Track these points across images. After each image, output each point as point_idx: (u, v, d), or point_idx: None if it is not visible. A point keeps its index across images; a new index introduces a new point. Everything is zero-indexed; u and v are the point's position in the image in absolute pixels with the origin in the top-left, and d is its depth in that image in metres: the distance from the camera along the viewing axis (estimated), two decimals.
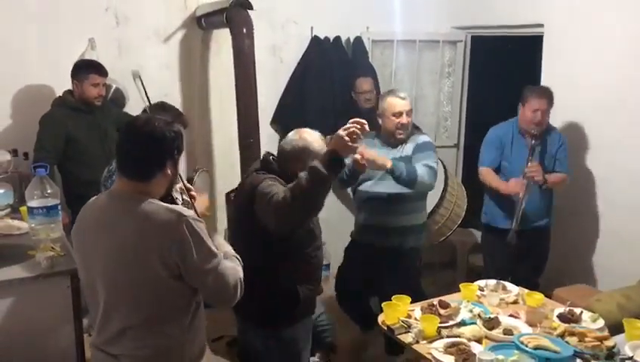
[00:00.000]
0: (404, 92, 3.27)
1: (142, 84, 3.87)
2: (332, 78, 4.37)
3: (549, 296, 3.00)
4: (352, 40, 4.51)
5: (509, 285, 2.87)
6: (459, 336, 2.34)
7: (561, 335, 2.33)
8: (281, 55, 4.44)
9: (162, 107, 2.59)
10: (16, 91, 3.69)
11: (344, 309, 3.52)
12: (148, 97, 3.73)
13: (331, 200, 4.15)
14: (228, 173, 4.03)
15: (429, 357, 2.23)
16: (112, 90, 3.77)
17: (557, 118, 3.69)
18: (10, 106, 3.70)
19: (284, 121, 4.37)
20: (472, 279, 3.02)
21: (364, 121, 2.12)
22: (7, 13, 3.61)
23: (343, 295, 3.49)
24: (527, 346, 2.21)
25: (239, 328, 2.65)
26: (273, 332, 2.45)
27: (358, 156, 2.72)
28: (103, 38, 3.84)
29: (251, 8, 3.59)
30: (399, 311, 2.51)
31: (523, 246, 3.48)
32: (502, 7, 4.37)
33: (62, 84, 3.57)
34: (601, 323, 2.49)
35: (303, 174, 2.05)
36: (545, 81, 3.97)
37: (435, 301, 2.60)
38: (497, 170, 3.56)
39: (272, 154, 2.50)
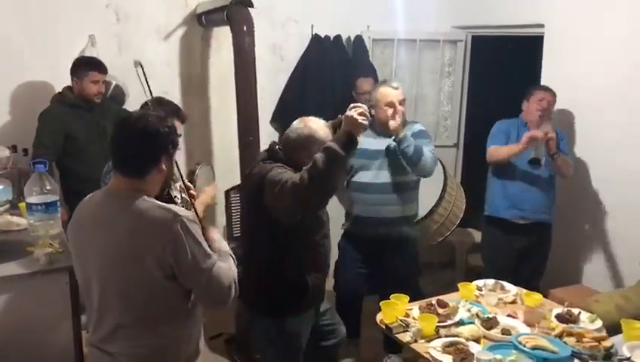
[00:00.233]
0: (397, 82, 3.27)
1: (143, 73, 3.85)
2: (332, 77, 4.37)
3: (546, 295, 3.00)
4: (352, 39, 4.51)
5: (507, 285, 2.88)
6: (457, 336, 2.34)
7: (559, 336, 2.33)
8: (281, 53, 4.43)
9: (160, 102, 2.58)
10: (15, 87, 3.68)
11: (338, 310, 3.50)
12: (149, 86, 3.71)
13: None
14: (227, 170, 4.03)
15: (426, 356, 2.24)
16: (112, 87, 3.76)
17: (557, 118, 3.69)
18: (9, 102, 3.69)
19: (283, 119, 4.36)
20: (470, 279, 3.01)
21: (365, 106, 2.19)
22: (7, 8, 3.60)
23: (340, 296, 3.49)
24: (525, 346, 2.21)
25: (246, 318, 2.66)
26: (278, 322, 2.47)
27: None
28: (103, 34, 3.83)
29: (252, 6, 3.59)
30: (397, 310, 2.51)
31: (525, 245, 3.48)
32: (502, 7, 4.37)
33: (61, 80, 3.56)
34: (599, 323, 2.49)
35: (318, 155, 2.08)
36: (545, 81, 3.97)
37: (434, 300, 2.60)
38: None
39: (278, 144, 2.50)
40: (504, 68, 4.92)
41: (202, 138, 4.31)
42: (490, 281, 2.89)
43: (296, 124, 2.48)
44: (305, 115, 2.57)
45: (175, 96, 4.03)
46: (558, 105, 3.53)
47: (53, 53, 3.70)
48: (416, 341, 2.33)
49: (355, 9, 4.53)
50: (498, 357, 2.15)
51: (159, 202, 1.80)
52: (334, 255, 3.54)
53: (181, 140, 2.08)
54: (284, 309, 2.46)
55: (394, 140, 3.11)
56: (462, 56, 4.89)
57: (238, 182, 3.65)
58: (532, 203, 3.45)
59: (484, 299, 2.72)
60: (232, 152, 3.82)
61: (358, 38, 4.51)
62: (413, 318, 2.48)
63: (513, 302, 2.73)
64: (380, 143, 3.19)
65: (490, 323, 2.41)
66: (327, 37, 4.41)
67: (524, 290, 2.79)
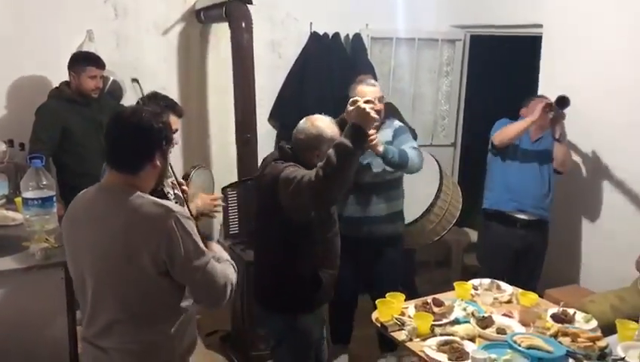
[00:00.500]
0: (373, 80, 3.27)
1: (140, 89, 3.86)
2: (330, 75, 4.36)
3: (541, 295, 3.00)
4: (351, 37, 4.50)
5: (503, 284, 2.88)
6: (452, 334, 2.34)
7: (554, 335, 2.34)
8: (279, 50, 4.43)
9: (155, 97, 2.57)
10: (12, 82, 3.67)
11: (331, 314, 3.49)
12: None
13: None
14: (225, 167, 4.02)
15: (422, 354, 2.24)
16: (110, 82, 3.76)
17: None
18: (6, 96, 3.68)
19: (281, 116, 4.37)
20: (466, 278, 3.02)
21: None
22: (4, 3, 3.59)
23: (335, 300, 3.48)
24: (520, 345, 2.21)
25: (258, 316, 2.69)
26: (290, 319, 2.49)
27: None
28: (102, 29, 3.82)
29: (251, 3, 3.58)
30: (393, 309, 2.51)
31: (523, 247, 3.49)
32: (501, 7, 4.36)
33: (59, 75, 3.55)
34: (594, 323, 2.50)
35: (331, 152, 2.12)
36: (543, 81, 3.97)
37: (429, 299, 2.60)
38: (507, 151, 3.52)
39: (287, 144, 2.52)
40: (502, 68, 4.93)
41: (200, 134, 4.30)
42: (486, 281, 2.89)
43: (303, 124, 2.47)
44: (303, 113, 2.57)
45: (173, 91, 4.01)
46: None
47: (50, 47, 3.68)
48: (411, 339, 2.33)
49: (354, 7, 4.52)
50: (493, 356, 2.15)
51: (153, 198, 1.80)
52: None
53: (179, 137, 2.07)
54: (297, 306, 2.49)
55: (378, 156, 3.08)
56: (460, 55, 4.89)
57: (236, 179, 3.65)
58: (532, 196, 3.45)
59: (479, 298, 2.73)
60: (230, 149, 3.81)
61: (357, 36, 4.50)
62: (409, 317, 2.49)
63: (509, 302, 2.74)
64: None
65: (485, 322, 2.42)
66: (325, 34, 4.41)
67: (520, 290, 2.79)
